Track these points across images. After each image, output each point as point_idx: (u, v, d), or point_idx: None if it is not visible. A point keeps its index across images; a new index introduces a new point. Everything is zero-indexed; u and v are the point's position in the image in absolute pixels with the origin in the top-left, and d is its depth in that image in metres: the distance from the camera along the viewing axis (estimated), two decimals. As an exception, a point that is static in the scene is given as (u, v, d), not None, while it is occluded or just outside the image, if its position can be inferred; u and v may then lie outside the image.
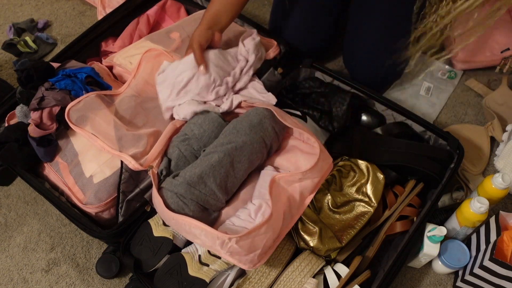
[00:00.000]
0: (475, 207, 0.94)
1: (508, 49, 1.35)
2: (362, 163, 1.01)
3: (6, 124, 1.09)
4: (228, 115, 1.08)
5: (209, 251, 0.92)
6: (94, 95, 1.04)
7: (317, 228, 0.94)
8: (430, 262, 1.06)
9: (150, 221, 0.97)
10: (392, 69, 1.29)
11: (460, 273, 1.03)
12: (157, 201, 0.88)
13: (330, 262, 0.98)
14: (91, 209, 0.98)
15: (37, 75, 1.04)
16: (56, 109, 1.02)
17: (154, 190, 0.89)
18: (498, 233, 0.92)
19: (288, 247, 0.95)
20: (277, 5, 1.33)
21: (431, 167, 1.02)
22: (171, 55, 1.14)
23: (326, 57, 1.44)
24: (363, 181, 1.00)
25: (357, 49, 1.27)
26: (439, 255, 0.99)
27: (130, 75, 1.13)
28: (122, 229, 0.96)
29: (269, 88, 1.16)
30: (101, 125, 1.00)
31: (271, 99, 1.05)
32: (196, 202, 0.88)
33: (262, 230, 0.80)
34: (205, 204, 0.89)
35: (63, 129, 1.05)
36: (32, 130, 1.00)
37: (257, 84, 1.09)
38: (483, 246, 0.95)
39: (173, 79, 1.02)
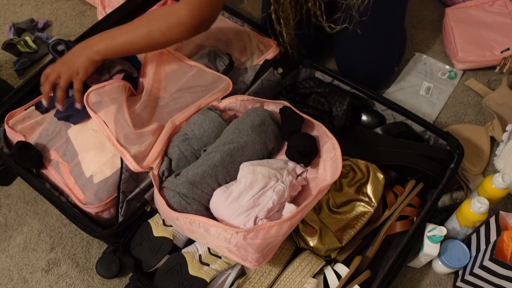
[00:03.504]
0: (475, 207, 0.94)
1: (508, 49, 1.35)
2: (362, 163, 1.01)
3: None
4: (227, 115, 1.08)
5: (209, 251, 0.92)
6: (121, 84, 1.05)
7: (317, 228, 0.94)
8: (430, 262, 1.06)
9: (150, 221, 0.97)
10: (385, 65, 1.29)
11: (460, 273, 1.03)
12: (160, 202, 0.88)
13: (330, 262, 0.98)
14: (91, 209, 0.98)
15: None
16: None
17: (155, 191, 0.89)
18: (498, 233, 0.92)
19: (288, 247, 0.95)
20: (266, 5, 1.30)
21: (431, 167, 1.02)
22: (173, 53, 1.15)
23: (326, 57, 1.44)
24: (363, 181, 1.00)
25: (348, 47, 1.26)
26: (439, 255, 0.99)
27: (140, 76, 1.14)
28: (122, 229, 0.96)
29: (269, 88, 1.16)
30: (113, 115, 1.00)
31: None
32: (198, 201, 0.88)
33: (273, 231, 0.79)
34: (206, 203, 0.89)
35: (63, 129, 1.05)
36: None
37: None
38: (483, 246, 0.95)
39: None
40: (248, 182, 0.87)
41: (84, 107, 1.00)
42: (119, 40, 0.98)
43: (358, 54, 1.25)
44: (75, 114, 1.03)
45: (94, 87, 1.01)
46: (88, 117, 1.03)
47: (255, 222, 0.83)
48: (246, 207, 0.84)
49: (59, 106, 1.01)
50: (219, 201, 0.87)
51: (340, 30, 1.18)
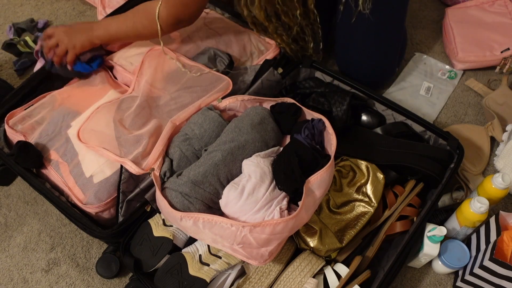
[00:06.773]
0: (475, 207, 0.94)
1: (508, 49, 1.35)
2: (362, 163, 1.01)
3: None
4: (227, 115, 1.08)
5: (209, 251, 0.92)
6: (104, 104, 1.07)
7: (317, 229, 0.94)
8: (430, 262, 1.06)
9: (150, 221, 0.97)
10: (386, 65, 1.29)
11: (460, 273, 1.03)
12: (163, 203, 0.87)
13: (330, 262, 0.98)
14: (91, 209, 0.98)
15: None
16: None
17: (157, 193, 0.89)
18: (498, 233, 0.92)
19: (288, 247, 0.95)
20: None
21: (431, 167, 1.02)
22: (175, 53, 1.15)
23: (326, 57, 1.44)
24: (363, 181, 1.00)
25: (348, 48, 1.26)
26: (439, 255, 0.99)
27: (133, 75, 1.14)
28: (122, 229, 0.96)
29: (269, 88, 1.16)
30: (105, 135, 1.01)
31: None
32: (201, 201, 0.88)
33: (279, 228, 0.80)
34: (209, 202, 0.89)
35: (63, 129, 1.05)
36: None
37: None
38: (483, 246, 0.95)
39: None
40: (258, 176, 0.87)
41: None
42: (112, 29, 1.10)
43: (359, 55, 1.25)
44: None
45: (81, 127, 1.04)
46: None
47: (281, 215, 0.83)
48: (265, 201, 0.84)
49: (69, 67, 1.12)
50: (233, 198, 0.86)
51: (341, 31, 1.18)
